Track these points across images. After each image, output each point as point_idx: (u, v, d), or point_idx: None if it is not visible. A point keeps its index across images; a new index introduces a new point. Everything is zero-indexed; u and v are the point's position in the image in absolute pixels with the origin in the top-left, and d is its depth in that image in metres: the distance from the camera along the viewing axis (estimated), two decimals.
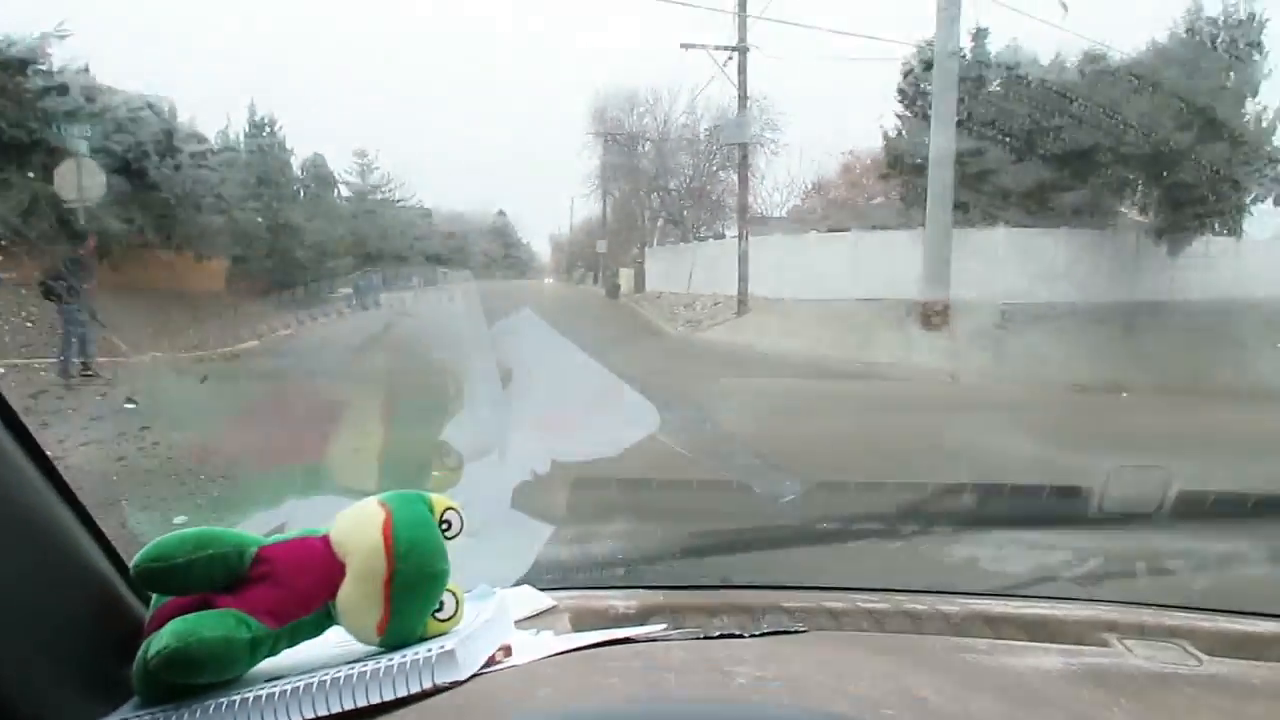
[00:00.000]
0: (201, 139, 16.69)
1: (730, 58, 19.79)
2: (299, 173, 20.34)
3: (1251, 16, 15.07)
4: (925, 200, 14.91)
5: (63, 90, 13.50)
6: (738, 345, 16.03)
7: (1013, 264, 15.61)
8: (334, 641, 1.07)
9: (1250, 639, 1.30)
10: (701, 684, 0.89)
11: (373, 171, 24.56)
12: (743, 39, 19.50)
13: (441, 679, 0.95)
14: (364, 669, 0.97)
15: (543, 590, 1.36)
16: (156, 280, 14.86)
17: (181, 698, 0.93)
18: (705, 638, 1.17)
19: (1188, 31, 15.19)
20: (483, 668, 1.01)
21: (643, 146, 28.04)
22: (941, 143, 14.33)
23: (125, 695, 0.96)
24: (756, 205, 24.97)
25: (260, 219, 16.71)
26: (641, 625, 1.28)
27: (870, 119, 22.34)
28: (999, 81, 15.77)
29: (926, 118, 15.02)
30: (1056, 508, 2.18)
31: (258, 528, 1.17)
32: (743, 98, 20.36)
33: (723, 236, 24.64)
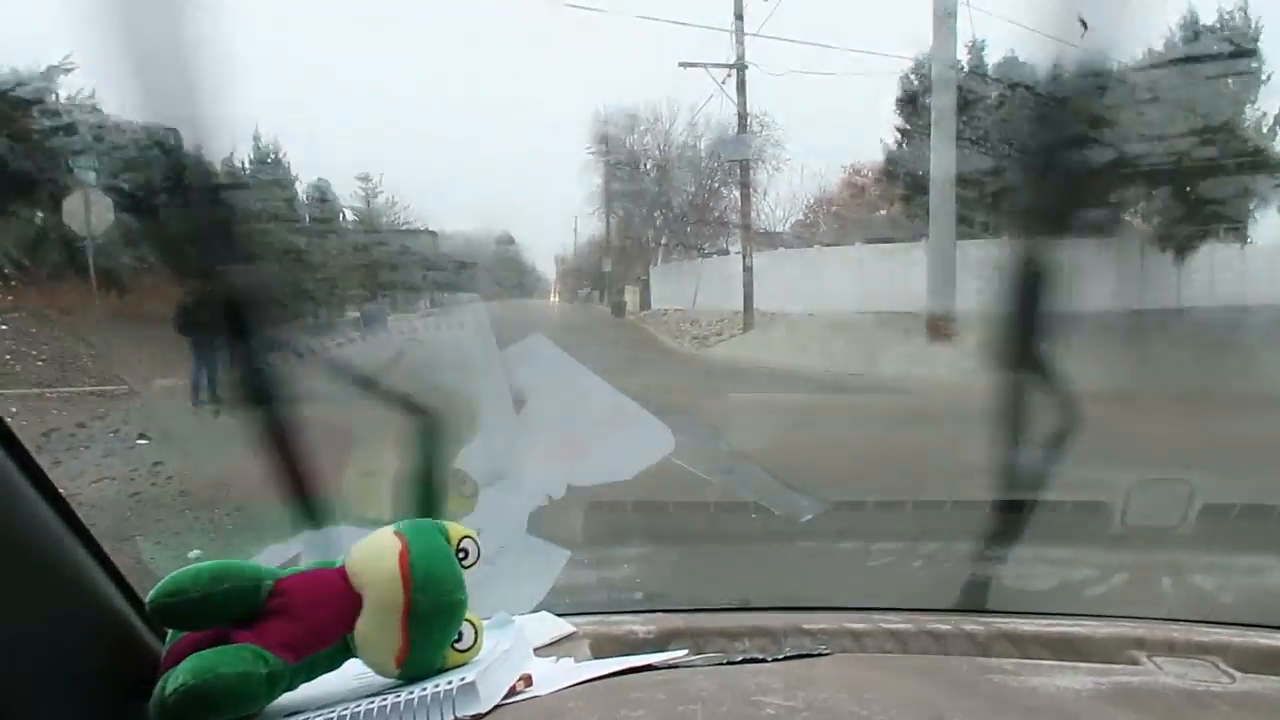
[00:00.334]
0: (210, 168, 16.76)
1: (729, 75, 19.88)
2: (304, 199, 20.43)
3: (1248, 23, 15.12)
4: (928, 212, 14.92)
5: (71, 128, 13.62)
6: (745, 361, 16.00)
7: None
8: (352, 675, 1.05)
9: None
10: (730, 715, 0.87)
11: (377, 196, 24.63)
12: (741, 57, 19.58)
13: (462, 712, 0.94)
14: (383, 703, 0.95)
15: (561, 615, 1.35)
16: (166, 311, 14.90)
17: None
18: (729, 663, 1.15)
19: (1185, 40, 15.22)
20: (504, 698, 1.00)
21: (645, 165, 28.11)
22: (942, 155, 14.35)
23: None
24: (760, 221, 24.96)
25: (266, 247, 16.78)
26: (662, 650, 1.26)
27: (871, 133, 22.44)
28: (997, 93, 15.81)
29: (927, 130, 15.05)
30: (1079, 523, 2.15)
31: (273, 559, 1.15)
32: (743, 115, 20.42)
33: (727, 253, 24.64)
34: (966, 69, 15.61)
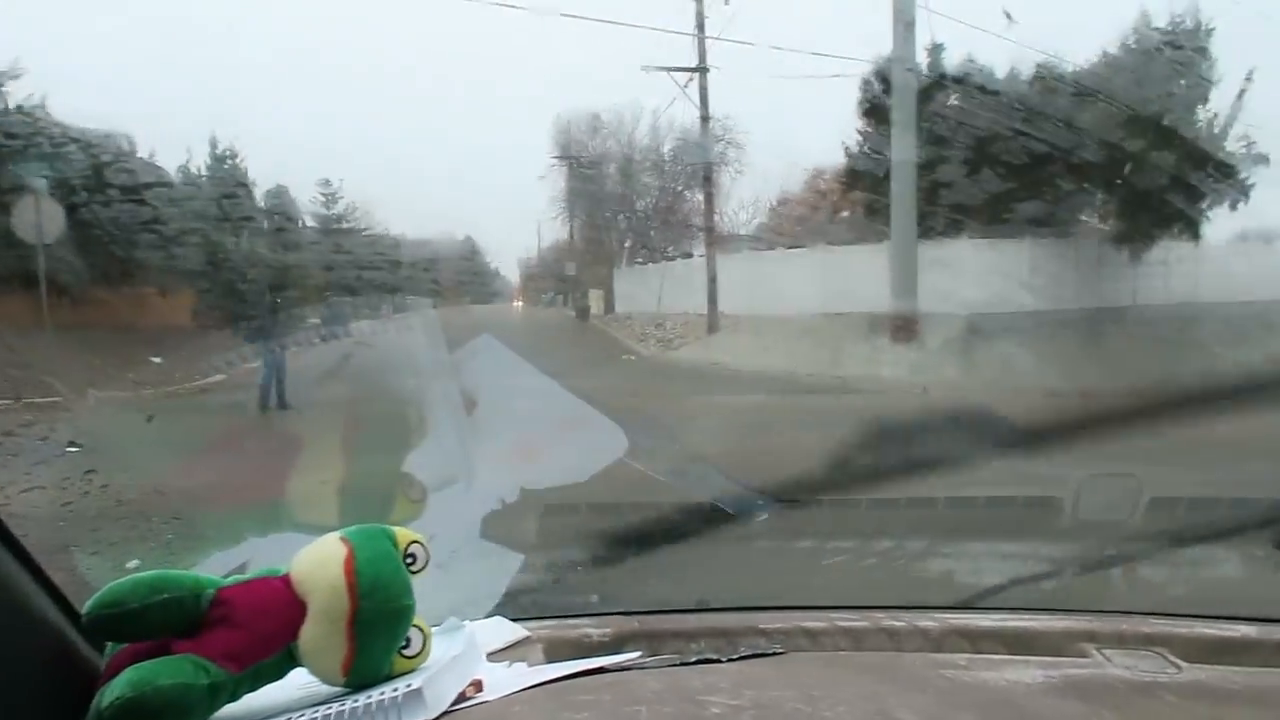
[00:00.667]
0: (162, 174, 16.54)
1: (691, 79, 19.95)
2: (263, 204, 20.18)
3: (1198, 25, 15.43)
4: (890, 214, 15.07)
5: (16, 131, 13.37)
6: (709, 363, 16.04)
7: (979, 274, 15.76)
8: (298, 684, 1.04)
9: (1228, 644, 1.30)
10: (673, 716, 0.87)
11: (338, 201, 24.43)
12: (702, 60, 19.67)
13: (409, 718, 0.92)
14: (329, 711, 0.94)
15: (516, 620, 1.33)
16: (121, 317, 14.68)
17: None
18: (682, 664, 1.15)
19: (1137, 41, 15.51)
20: (453, 704, 0.99)
21: (607, 169, 28.11)
22: (902, 157, 14.49)
23: None
24: (723, 224, 25.08)
25: (225, 252, 16.56)
26: (617, 653, 1.25)
27: (832, 135, 22.60)
28: (956, 96, 16.00)
29: (887, 133, 15.19)
30: (1031, 518, 2.18)
31: (218, 569, 1.13)
32: (705, 118, 20.51)
33: (690, 256, 24.73)
34: (926, 71, 15.77)
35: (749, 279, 19.45)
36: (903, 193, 14.60)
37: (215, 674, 0.92)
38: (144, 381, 11.56)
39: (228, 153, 19.16)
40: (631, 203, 28.08)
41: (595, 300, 27.71)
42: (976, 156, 15.26)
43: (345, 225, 24.10)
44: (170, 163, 17.42)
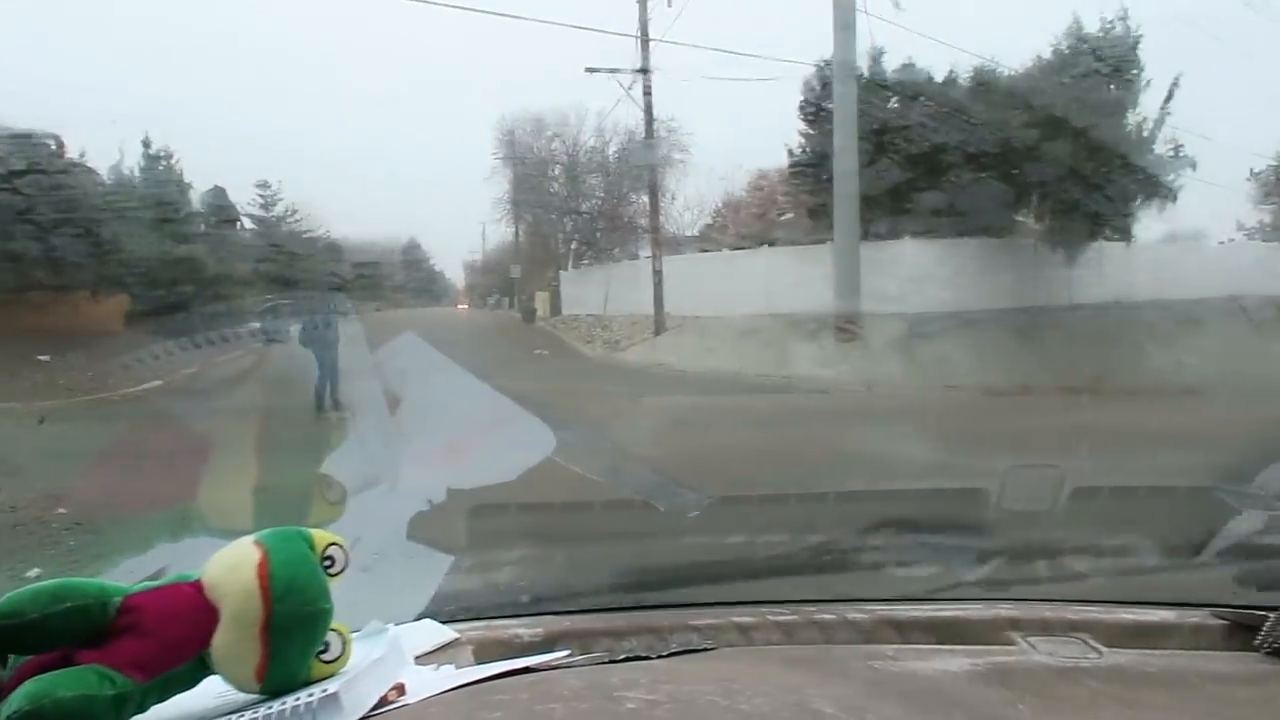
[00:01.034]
0: (93, 173, 16.06)
1: (635, 81, 19.96)
2: (199, 206, 19.74)
3: (1127, 31, 15.88)
4: (832, 216, 15.24)
5: None
6: (655, 365, 16.08)
7: (921, 275, 16.02)
8: (214, 693, 1.01)
9: (1146, 628, 1.33)
10: (588, 713, 0.86)
11: (277, 203, 24.01)
12: (646, 62, 19.69)
13: None
14: (241, 718, 0.91)
15: (445, 623, 1.31)
16: (48, 322, 14.23)
17: None
18: (610, 662, 1.14)
19: (1069, 47, 15.91)
20: (374, 708, 0.97)
21: (553, 170, 28.03)
22: (844, 159, 14.67)
23: None
24: (669, 225, 25.19)
25: (158, 254, 16.14)
26: (548, 652, 1.24)
27: (776, 137, 22.78)
28: (896, 99, 16.24)
29: (829, 135, 15.37)
30: (958, 509, 2.22)
31: (130, 576, 1.09)
32: (649, 120, 20.54)
33: (637, 257, 24.74)
34: (867, 75, 15.99)
35: (695, 280, 19.53)
36: (844, 194, 14.78)
37: (121, 684, 0.89)
38: (80, 388, 11.28)
39: (162, 153, 18.72)
40: (577, 204, 28.03)
41: (541, 302, 27.61)
42: (913, 159, 15.52)
43: (284, 227, 23.68)
44: (102, 164, 16.92)
